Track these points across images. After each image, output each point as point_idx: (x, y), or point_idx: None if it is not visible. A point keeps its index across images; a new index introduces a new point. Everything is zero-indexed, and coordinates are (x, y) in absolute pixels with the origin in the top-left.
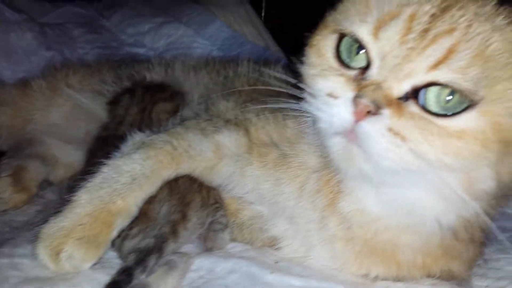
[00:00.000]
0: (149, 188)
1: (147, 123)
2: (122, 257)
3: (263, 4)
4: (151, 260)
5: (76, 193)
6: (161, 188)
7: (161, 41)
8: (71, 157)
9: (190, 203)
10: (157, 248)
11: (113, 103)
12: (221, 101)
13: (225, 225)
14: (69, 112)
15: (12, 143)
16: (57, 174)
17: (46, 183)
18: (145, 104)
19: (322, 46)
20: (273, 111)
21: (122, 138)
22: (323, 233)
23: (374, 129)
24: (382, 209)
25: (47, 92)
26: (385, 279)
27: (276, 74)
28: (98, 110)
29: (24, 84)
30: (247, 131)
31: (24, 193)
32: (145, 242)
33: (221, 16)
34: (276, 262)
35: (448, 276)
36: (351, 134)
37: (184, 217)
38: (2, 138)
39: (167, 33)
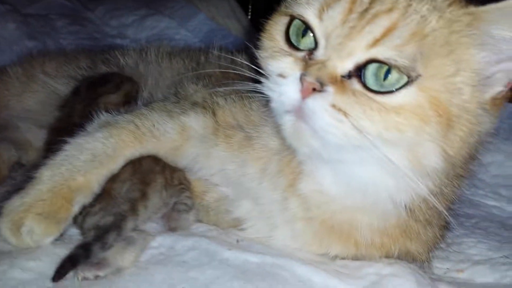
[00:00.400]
0: (111, 166)
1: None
2: (83, 233)
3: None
4: (110, 237)
5: (38, 171)
6: (124, 168)
7: (144, 32)
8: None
9: (150, 183)
10: (116, 225)
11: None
12: (190, 84)
13: (190, 207)
14: (43, 98)
15: None
16: (30, 157)
17: (18, 166)
18: (89, 100)
19: (273, 30)
20: (240, 95)
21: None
22: (285, 213)
23: (318, 105)
24: (339, 189)
25: (23, 79)
26: (344, 258)
27: (242, 61)
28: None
29: (0, 71)
30: (214, 114)
31: None
32: (104, 219)
33: (205, 10)
34: (238, 241)
35: (407, 257)
36: (299, 111)
37: (143, 196)
38: None
39: (150, 25)
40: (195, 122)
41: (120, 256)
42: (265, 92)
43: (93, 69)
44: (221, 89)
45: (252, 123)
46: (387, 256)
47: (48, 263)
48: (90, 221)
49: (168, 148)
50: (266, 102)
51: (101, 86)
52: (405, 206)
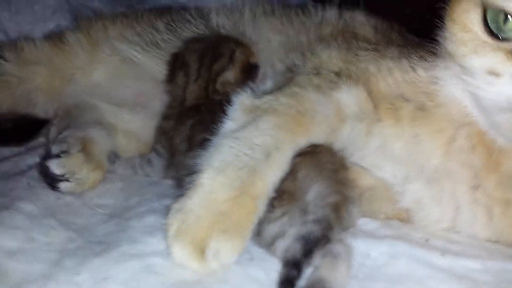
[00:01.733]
0: (284, 163)
1: (211, 94)
2: (264, 243)
3: None
4: (318, 251)
5: (201, 174)
6: (298, 163)
7: None
8: (128, 123)
9: (346, 182)
10: (324, 236)
11: (169, 81)
12: (322, 50)
13: (355, 198)
14: (114, 69)
15: (55, 110)
16: (119, 145)
17: (114, 156)
18: (205, 81)
19: (467, 20)
20: (395, 58)
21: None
22: (476, 196)
23: None
24: None
25: (87, 47)
26: None
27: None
28: (150, 65)
29: (57, 38)
30: (366, 84)
31: (99, 170)
32: (306, 229)
33: None
34: (427, 240)
35: None
36: None
37: (345, 199)
38: (39, 104)
39: None
40: (348, 97)
41: (333, 274)
42: (471, 91)
43: (173, 31)
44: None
45: (423, 91)
46: None
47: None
48: (273, 228)
49: (326, 132)
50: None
51: (215, 61)
52: None
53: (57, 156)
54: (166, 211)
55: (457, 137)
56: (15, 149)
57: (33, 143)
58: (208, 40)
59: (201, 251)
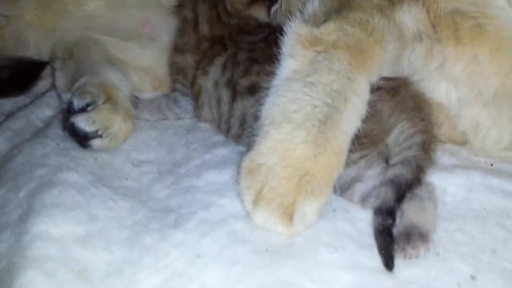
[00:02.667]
0: (363, 108)
1: (224, 17)
2: (340, 188)
3: None
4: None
5: (273, 128)
6: (379, 102)
7: None
8: (138, 58)
9: (429, 119)
10: (416, 179)
11: (178, 7)
12: None
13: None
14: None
15: (51, 49)
16: (132, 83)
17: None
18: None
19: None
20: None
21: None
22: None
23: None
24: None
25: None
26: None
27: None
28: None
29: None
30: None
31: (129, 119)
32: (393, 172)
33: None
34: (492, 165)
35: None
36: None
37: (431, 138)
38: (31, 44)
39: None
40: (409, 17)
41: (424, 217)
42: None
43: None
44: None
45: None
46: None
47: None
48: (350, 173)
49: (393, 62)
50: None
51: None
52: None
53: (82, 110)
54: (222, 164)
55: None
56: (17, 101)
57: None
58: None
59: (289, 216)
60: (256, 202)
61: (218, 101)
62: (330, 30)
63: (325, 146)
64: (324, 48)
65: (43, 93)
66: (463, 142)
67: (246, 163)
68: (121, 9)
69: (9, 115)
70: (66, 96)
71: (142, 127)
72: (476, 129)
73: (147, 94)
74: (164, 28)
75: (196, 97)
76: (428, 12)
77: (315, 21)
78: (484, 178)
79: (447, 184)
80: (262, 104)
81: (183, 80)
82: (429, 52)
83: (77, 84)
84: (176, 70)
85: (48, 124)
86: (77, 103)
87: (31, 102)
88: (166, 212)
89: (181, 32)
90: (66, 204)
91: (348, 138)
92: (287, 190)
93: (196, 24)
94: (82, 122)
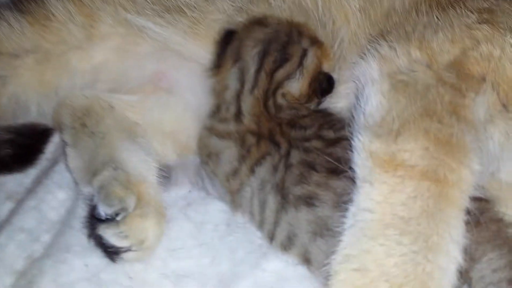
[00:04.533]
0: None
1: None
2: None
3: None
4: None
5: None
6: None
7: None
8: (158, 121)
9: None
10: None
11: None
12: (431, 35)
13: None
14: (121, 45)
15: (54, 110)
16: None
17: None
18: (262, 91)
19: None
20: None
21: None
22: None
23: None
24: None
25: (81, 20)
26: None
27: None
28: (170, 37)
29: (39, 13)
30: (492, 77)
31: (163, 219)
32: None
33: None
34: None
35: None
36: None
37: None
38: (32, 106)
39: None
40: (480, 105)
41: None
42: None
43: None
44: None
45: None
46: None
47: None
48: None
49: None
50: None
51: (281, 66)
52: None
53: (111, 219)
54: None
55: None
56: (21, 177)
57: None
58: (275, 28)
59: None
60: None
61: (262, 205)
62: (410, 148)
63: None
64: (409, 174)
65: (51, 166)
66: None
67: None
68: (133, 60)
69: (19, 210)
70: (86, 190)
71: (174, 216)
72: None
73: (170, 162)
74: (187, 84)
75: (232, 191)
76: (498, 93)
77: (384, 126)
78: None
79: None
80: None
81: (213, 167)
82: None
83: (99, 178)
84: (207, 153)
85: (66, 219)
86: (104, 211)
87: (38, 181)
88: None
89: (217, 111)
90: None
91: None
92: None
93: (238, 113)
94: (113, 238)
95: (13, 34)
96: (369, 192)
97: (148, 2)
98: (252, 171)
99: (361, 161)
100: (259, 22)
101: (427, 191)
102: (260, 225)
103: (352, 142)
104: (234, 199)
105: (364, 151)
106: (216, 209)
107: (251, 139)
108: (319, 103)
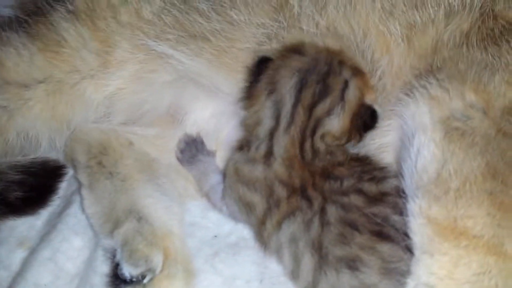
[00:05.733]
0: None
1: (308, 156)
2: None
3: None
4: None
5: None
6: None
7: None
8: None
9: None
10: None
11: (248, 106)
12: (488, 78)
13: None
14: (138, 72)
15: (75, 151)
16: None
17: None
18: (298, 131)
19: None
20: None
21: None
22: None
23: None
24: None
25: (95, 45)
26: None
27: None
28: (191, 64)
29: (50, 39)
30: None
31: (192, 278)
32: None
33: None
34: None
35: None
36: None
37: None
38: (44, 141)
39: None
40: None
41: None
42: None
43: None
44: None
45: None
46: None
47: None
48: None
49: None
50: None
51: (320, 100)
52: None
53: (136, 281)
54: None
55: None
56: (30, 222)
57: None
58: (314, 57)
59: None
60: None
61: (296, 259)
62: (474, 215)
63: None
64: (473, 246)
65: (64, 207)
66: None
67: None
68: (150, 89)
69: (28, 248)
70: (107, 242)
71: (200, 268)
72: None
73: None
74: (209, 117)
75: (262, 239)
76: None
77: (442, 185)
78: None
79: None
80: None
81: (244, 208)
82: None
83: (121, 231)
84: (234, 197)
85: (84, 274)
86: (129, 272)
87: (51, 224)
88: None
89: (246, 147)
90: None
91: None
92: None
93: (269, 154)
94: None
95: (22, 62)
96: (429, 265)
97: (169, 26)
98: (279, 225)
99: (417, 227)
100: (296, 49)
101: (495, 267)
102: (294, 277)
103: (406, 203)
104: (260, 238)
105: (421, 216)
106: (246, 261)
107: (280, 191)
108: (360, 140)
